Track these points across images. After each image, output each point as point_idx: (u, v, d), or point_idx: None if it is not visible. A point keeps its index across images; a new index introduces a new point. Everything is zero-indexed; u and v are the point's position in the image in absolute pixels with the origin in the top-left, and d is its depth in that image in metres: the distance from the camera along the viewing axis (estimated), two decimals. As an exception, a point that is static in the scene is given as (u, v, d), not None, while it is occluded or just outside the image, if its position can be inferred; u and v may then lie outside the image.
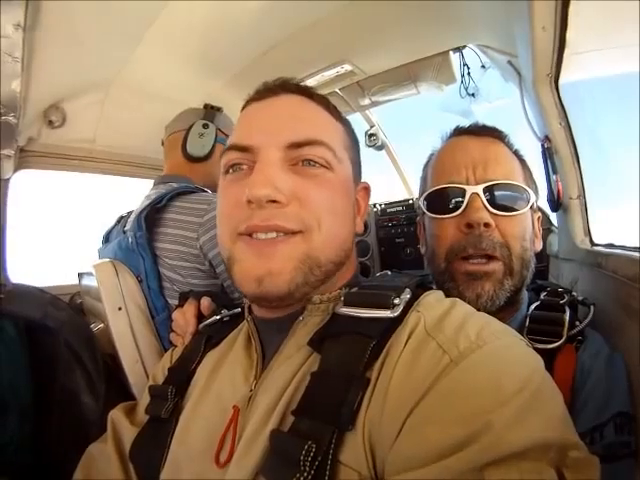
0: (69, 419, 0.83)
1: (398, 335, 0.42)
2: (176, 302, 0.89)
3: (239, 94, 1.51)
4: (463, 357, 0.37)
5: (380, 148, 1.94)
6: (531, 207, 0.73)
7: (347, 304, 0.48)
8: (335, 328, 0.47)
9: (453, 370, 0.36)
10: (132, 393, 0.93)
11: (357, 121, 1.85)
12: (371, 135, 1.89)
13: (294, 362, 0.48)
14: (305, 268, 0.48)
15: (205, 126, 1.15)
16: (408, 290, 0.48)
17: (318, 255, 0.49)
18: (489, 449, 0.31)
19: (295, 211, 0.48)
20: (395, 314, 0.44)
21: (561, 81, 0.90)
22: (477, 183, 0.70)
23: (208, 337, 0.66)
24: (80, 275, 1.22)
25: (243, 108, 0.59)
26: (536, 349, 0.41)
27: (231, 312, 0.69)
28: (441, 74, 1.42)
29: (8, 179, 1.39)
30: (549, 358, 0.61)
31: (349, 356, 0.42)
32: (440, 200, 0.73)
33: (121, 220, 1.22)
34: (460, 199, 0.70)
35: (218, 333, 0.66)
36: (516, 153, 0.77)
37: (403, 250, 1.74)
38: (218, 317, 0.69)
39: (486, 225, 0.68)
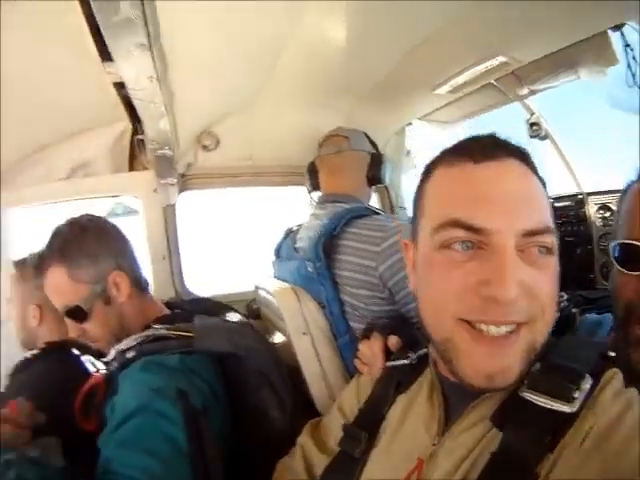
0: (260, 435, 0.92)
1: (573, 436, 0.44)
2: (357, 325, 0.95)
3: (383, 101, 1.52)
4: None
5: (544, 138, 1.74)
6: None
7: (530, 387, 0.49)
8: (516, 412, 0.49)
9: None
10: (313, 402, 1.05)
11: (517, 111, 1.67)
12: (533, 124, 1.67)
13: (476, 433, 0.51)
14: (528, 357, 0.49)
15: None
16: (588, 378, 0.47)
17: (539, 340, 0.50)
18: None
19: (526, 304, 0.48)
20: (573, 409, 0.45)
21: None
22: None
23: (398, 382, 0.69)
24: (257, 287, 1.38)
25: (442, 159, 0.55)
26: None
27: (417, 354, 0.71)
28: (601, 57, 1.22)
29: (174, 204, 1.60)
30: None
31: (525, 447, 0.45)
32: (629, 254, 0.62)
33: (290, 234, 1.33)
34: None
35: (406, 376, 0.69)
36: None
37: (574, 250, 1.59)
38: (407, 362, 0.71)
39: None
